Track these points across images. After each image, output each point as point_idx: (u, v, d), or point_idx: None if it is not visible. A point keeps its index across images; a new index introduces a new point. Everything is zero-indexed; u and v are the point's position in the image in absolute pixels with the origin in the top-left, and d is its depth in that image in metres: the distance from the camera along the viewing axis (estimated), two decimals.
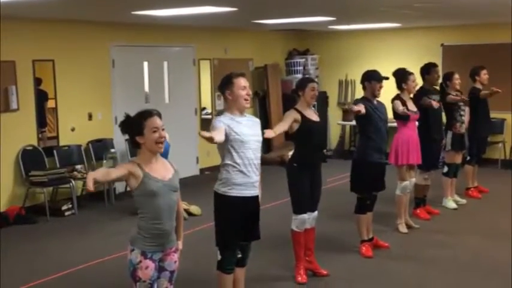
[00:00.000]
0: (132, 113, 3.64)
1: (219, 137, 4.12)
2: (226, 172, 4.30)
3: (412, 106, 6.73)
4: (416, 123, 6.87)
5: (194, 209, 7.81)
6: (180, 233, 3.84)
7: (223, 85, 4.37)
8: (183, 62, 10.46)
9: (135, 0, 6.71)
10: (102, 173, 3.53)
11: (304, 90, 5.30)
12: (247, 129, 4.33)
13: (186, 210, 7.73)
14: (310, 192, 5.30)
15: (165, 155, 6.56)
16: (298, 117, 5.21)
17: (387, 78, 5.97)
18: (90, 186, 3.29)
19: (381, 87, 5.91)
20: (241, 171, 4.29)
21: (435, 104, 6.88)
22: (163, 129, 3.59)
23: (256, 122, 4.52)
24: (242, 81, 4.33)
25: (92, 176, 3.33)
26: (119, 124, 3.66)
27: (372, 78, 5.93)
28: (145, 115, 3.57)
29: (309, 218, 5.36)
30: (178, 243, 3.80)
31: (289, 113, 5.27)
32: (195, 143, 10.57)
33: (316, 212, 5.44)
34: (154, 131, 3.53)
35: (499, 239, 6.55)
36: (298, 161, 5.26)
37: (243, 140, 4.27)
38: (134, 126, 3.56)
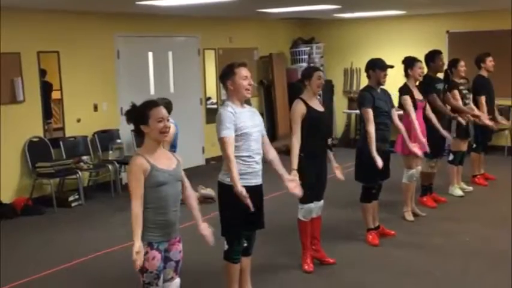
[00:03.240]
0: (136, 103, 3.68)
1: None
2: None
3: (418, 94, 6.70)
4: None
5: (210, 190, 7.86)
6: (198, 215, 3.83)
7: (225, 75, 4.35)
8: (187, 52, 10.44)
9: None
10: (137, 217, 3.50)
11: (310, 79, 5.28)
12: (249, 120, 4.33)
13: (204, 195, 7.81)
14: (316, 181, 5.31)
15: (173, 141, 6.59)
16: (304, 110, 5.19)
17: (392, 67, 5.92)
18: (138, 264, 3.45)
19: (385, 75, 5.88)
20: (247, 161, 4.29)
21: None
22: (168, 120, 3.61)
23: (255, 112, 4.52)
24: (244, 71, 4.31)
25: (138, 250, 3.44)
26: (125, 113, 3.70)
27: (376, 67, 5.90)
28: (151, 105, 3.61)
29: (315, 207, 5.37)
30: (203, 225, 3.80)
31: (295, 106, 5.25)
32: (200, 133, 10.59)
33: (322, 201, 5.44)
34: (160, 121, 3.55)
35: (506, 226, 6.53)
36: (304, 150, 5.25)
37: (247, 132, 4.27)
38: (140, 115, 3.59)
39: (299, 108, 5.21)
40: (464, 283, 5.16)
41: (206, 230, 3.81)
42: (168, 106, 6.81)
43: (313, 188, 5.27)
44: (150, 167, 3.53)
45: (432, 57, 7.28)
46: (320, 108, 5.36)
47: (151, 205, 3.57)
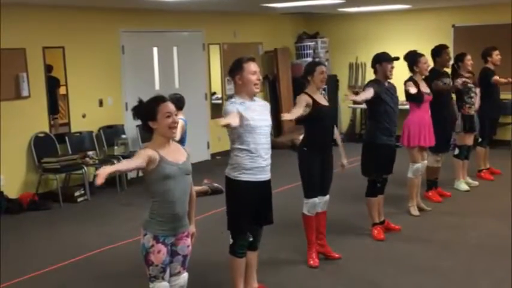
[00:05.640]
0: (143, 99, 3.67)
1: (234, 120, 4.08)
2: (237, 157, 4.30)
3: (425, 87, 6.68)
4: None
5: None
6: (192, 217, 3.85)
7: (233, 70, 4.34)
8: (192, 47, 10.45)
9: None
10: (123, 164, 3.61)
11: (313, 74, 5.28)
12: (258, 114, 4.31)
13: (211, 188, 7.94)
14: (321, 176, 5.30)
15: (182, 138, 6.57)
16: (310, 101, 5.19)
17: (397, 59, 5.93)
18: (100, 180, 3.13)
19: (392, 67, 5.88)
20: (253, 156, 4.29)
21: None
22: (176, 115, 3.61)
23: (266, 106, 4.51)
24: (252, 66, 4.30)
25: (108, 170, 3.19)
26: (132, 109, 3.68)
27: (382, 60, 5.90)
28: (158, 100, 3.59)
29: (320, 202, 5.37)
30: (191, 227, 3.81)
31: (300, 97, 5.26)
32: (205, 128, 10.60)
33: (327, 196, 5.44)
34: (168, 116, 3.54)
35: None
36: (308, 145, 5.25)
37: (254, 126, 4.25)
38: (147, 111, 3.57)
39: (304, 97, 5.22)
40: (469, 277, 5.15)
41: (192, 230, 3.84)
42: (180, 101, 6.82)
43: (316, 182, 5.28)
44: (159, 158, 3.51)
45: (438, 52, 7.26)
46: (325, 102, 5.36)
47: (159, 198, 3.58)
